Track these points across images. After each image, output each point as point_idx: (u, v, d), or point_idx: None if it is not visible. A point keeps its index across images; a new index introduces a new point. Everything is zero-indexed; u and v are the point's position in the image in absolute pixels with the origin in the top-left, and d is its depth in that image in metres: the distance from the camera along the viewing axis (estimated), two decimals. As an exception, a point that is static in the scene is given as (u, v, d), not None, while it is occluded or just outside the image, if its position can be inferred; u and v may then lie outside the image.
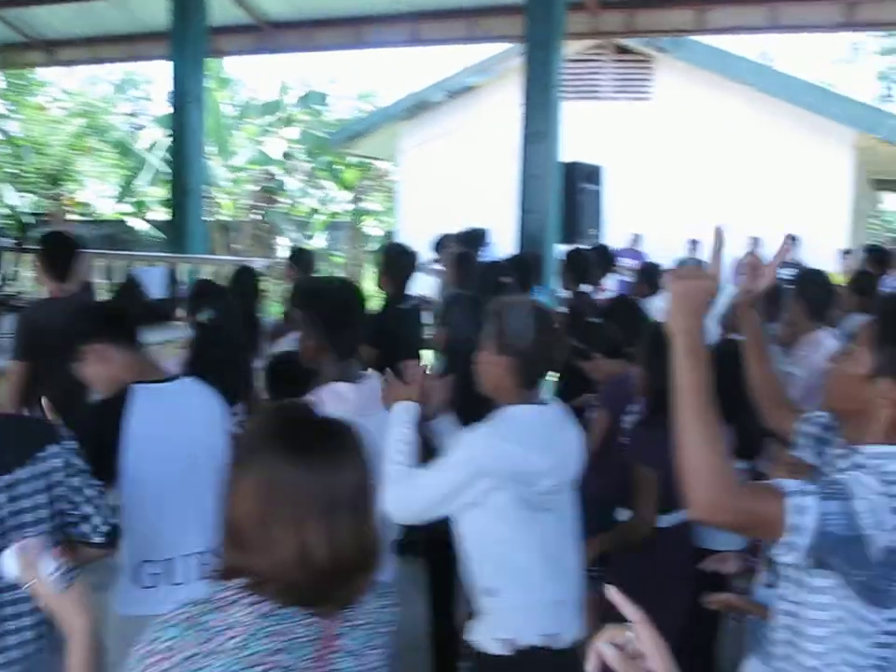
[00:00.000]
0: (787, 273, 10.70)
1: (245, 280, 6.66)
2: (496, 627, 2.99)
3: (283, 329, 6.36)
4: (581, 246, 8.24)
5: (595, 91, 16.68)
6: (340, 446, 1.78)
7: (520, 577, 2.96)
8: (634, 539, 3.88)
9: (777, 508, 1.99)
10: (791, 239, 14.79)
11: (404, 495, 2.94)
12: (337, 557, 1.70)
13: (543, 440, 3.01)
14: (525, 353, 3.00)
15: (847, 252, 14.56)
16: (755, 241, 15.07)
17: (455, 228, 9.49)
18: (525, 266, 7.14)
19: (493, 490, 2.90)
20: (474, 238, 9.24)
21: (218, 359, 4.89)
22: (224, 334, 5.27)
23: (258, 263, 10.27)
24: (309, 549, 1.68)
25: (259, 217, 24.15)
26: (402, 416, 3.10)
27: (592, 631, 4.70)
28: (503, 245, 10.04)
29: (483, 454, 2.91)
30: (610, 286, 10.38)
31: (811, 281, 5.34)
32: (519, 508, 2.94)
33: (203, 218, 11.87)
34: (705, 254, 15.06)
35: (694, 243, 15.40)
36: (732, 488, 1.99)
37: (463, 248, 7.89)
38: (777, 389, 2.77)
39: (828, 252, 14.51)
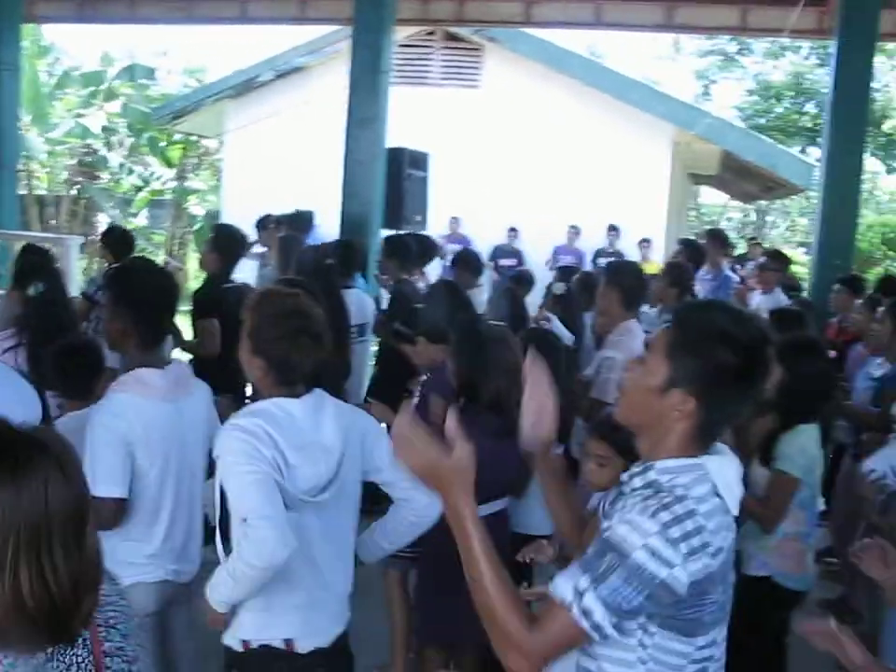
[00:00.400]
0: (604, 262, 11.01)
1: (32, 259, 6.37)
2: (239, 627, 2.93)
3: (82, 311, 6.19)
4: (401, 232, 8.28)
5: (424, 78, 16.68)
6: (36, 465, 1.58)
7: (277, 578, 2.80)
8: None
9: (569, 624, 1.98)
10: (613, 230, 15.26)
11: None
12: (54, 596, 1.55)
13: (300, 437, 2.89)
14: (272, 354, 2.92)
15: (645, 241, 15.15)
16: (574, 230, 15.46)
17: (281, 209, 9.36)
18: (351, 252, 7.09)
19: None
20: (300, 221, 9.14)
21: (52, 334, 4.65)
22: (56, 308, 5.05)
23: (73, 240, 9.89)
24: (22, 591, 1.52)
25: (77, 193, 23.25)
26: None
27: (396, 615, 4.72)
28: (329, 229, 9.95)
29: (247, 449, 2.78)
30: (433, 272, 10.45)
31: (623, 271, 5.43)
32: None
33: (16, 192, 11.34)
34: (524, 242, 15.41)
35: (514, 231, 15.67)
36: (530, 643, 1.99)
37: (288, 231, 7.81)
38: (580, 518, 2.65)
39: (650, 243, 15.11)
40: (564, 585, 2.00)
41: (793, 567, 4.01)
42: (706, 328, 2.11)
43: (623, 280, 5.25)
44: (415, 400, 4.85)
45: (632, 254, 14.49)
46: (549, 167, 15.87)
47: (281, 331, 2.91)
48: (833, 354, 5.82)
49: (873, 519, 4.21)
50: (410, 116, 13.13)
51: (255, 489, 2.73)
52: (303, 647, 2.93)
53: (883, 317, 5.95)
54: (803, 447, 3.95)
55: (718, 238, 9.56)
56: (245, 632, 2.92)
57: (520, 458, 3.99)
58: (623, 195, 15.77)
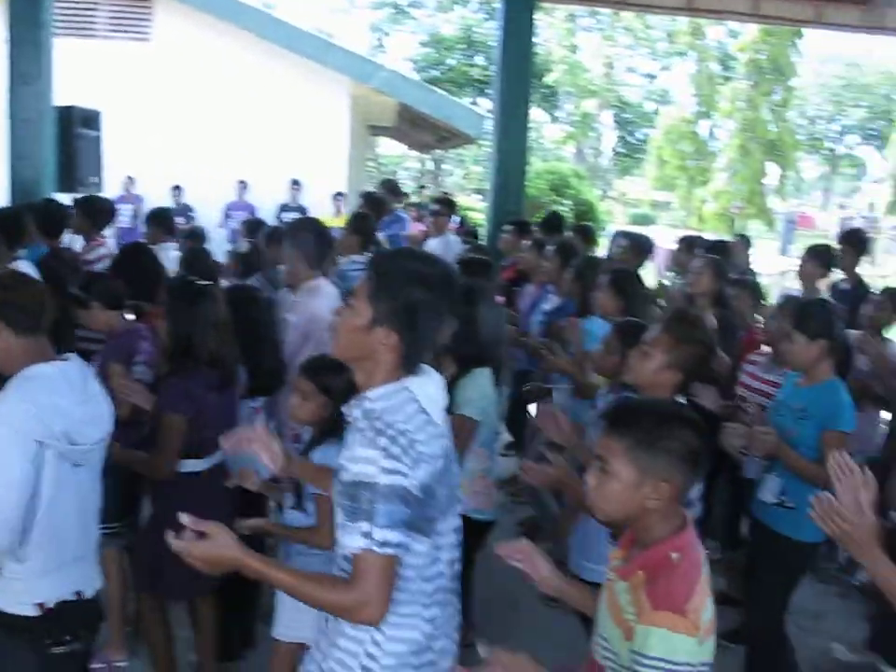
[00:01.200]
0: (289, 217, 11.05)
1: None
2: (25, 593, 2.97)
3: None
4: (54, 197, 7.88)
5: (90, 30, 15.87)
6: None
7: (54, 536, 2.96)
8: (152, 476, 3.99)
9: (379, 561, 2.27)
10: (295, 184, 15.27)
11: None
12: None
13: (78, 394, 3.02)
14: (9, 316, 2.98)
15: (338, 195, 15.30)
16: (242, 184, 15.32)
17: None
18: (13, 221, 6.65)
19: (44, 451, 2.86)
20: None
21: None
22: None
23: None
24: None
25: None
26: None
27: (113, 591, 4.68)
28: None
29: (28, 421, 2.84)
30: (110, 235, 10.05)
31: (304, 228, 5.34)
32: (61, 465, 2.93)
33: None
34: (189, 198, 15.01)
35: (178, 189, 15.31)
36: (361, 597, 2.28)
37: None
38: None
39: (329, 196, 15.20)
40: (351, 540, 2.29)
41: (485, 503, 4.26)
42: (400, 271, 2.42)
43: (304, 238, 5.20)
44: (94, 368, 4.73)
45: (323, 208, 14.54)
46: (225, 122, 15.58)
47: None
48: (502, 299, 6.14)
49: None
50: (78, 71, 12.52)
51: None
52: (88, 594, 3.16)
53: (552, 256, 6.39)
54: (481, 390, 4.14)
55: (390, 187, 9.92)
56: (37, 595, 2.99)
57: (238, 409, 4.15)
58: (304, 149, 15.78)
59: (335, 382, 3.52)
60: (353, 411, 2.44)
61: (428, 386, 2.47)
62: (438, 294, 2.41)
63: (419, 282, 2.39)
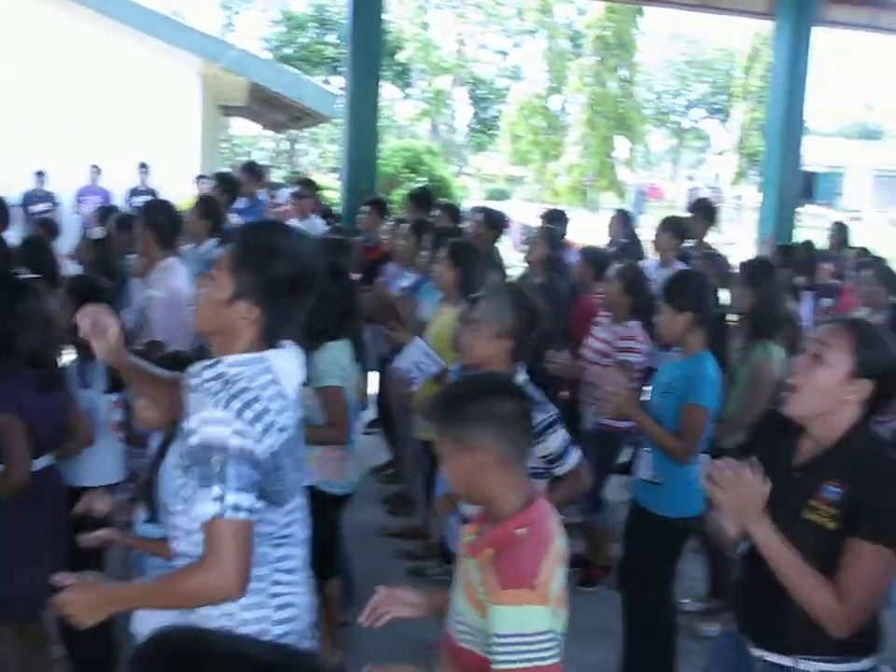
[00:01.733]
0: (139, 201, 10.78)
1: None
2: None
3: None
4: None
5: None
6: None
7: None
8: (11, 490, 3.55)
9: (232, 526, 2.21)
10: (143, 167, 14.88)
11: None
12: None
13: None
14: None
15: (201, 178, 14.99)
16: (95, 169, 14.87)
17: None
18: None
19: None
20: None
21: None
22: None
23: None
24: None
25: None
26: None
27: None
28: None
29: None
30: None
31: (157, 210, 5.36)
32: None
33: None
34: (52, 185, 14.50)
35: (41, 175, 14.78)
36: (222, 572, 2.21)
37: None
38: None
39: (182, 178, 14.87)
40: (201, 507, 2.22)
41: (335, 474, 4.27)
42: (263, 245, 2.38)
43: (156, 219, 5.21)
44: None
45: (176, 190, 14.21)
46: (73, 105, 15.09)
47: None
48: (357, 276, 6.18)
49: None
50: None
51: None
52: None
53: (408, 234, 6.47)
54: (335, 360, 4.16)
55: (251, 170, 9.76)
56: None
57: (65, 410, 3.85)
58: (154, 131, 15.41)
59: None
60: (203, 373, 2.37)
61: (286, 360, 2.44)
62: (302, 270, 2.38)
63: (284, 256, 2.35)
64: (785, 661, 2.59)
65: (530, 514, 2.29)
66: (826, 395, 2.53)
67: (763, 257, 7.66)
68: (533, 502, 2.33)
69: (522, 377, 3.48)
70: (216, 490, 2.20)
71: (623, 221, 8.70)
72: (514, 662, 2.14)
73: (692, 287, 4.32)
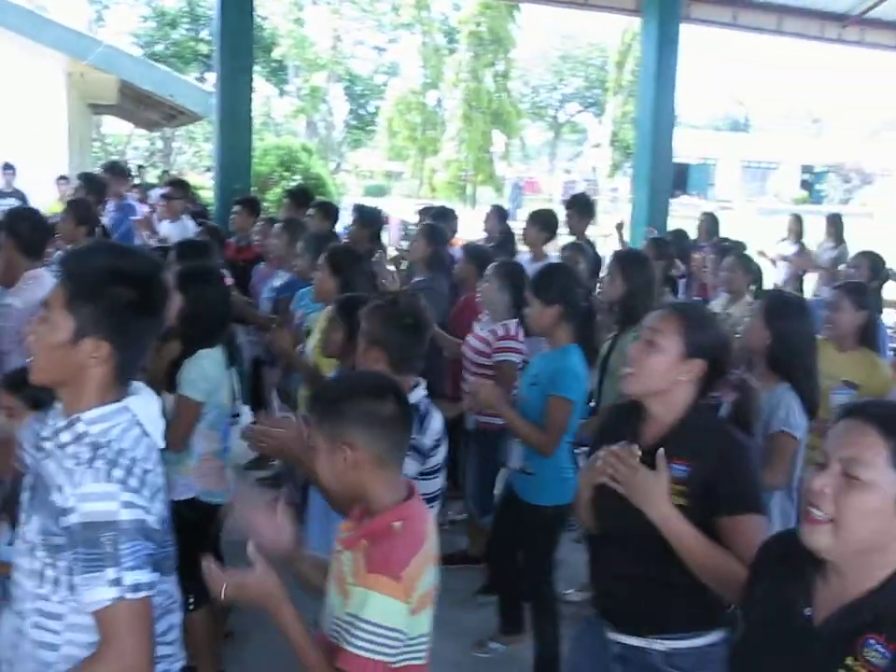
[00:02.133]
0: (6, 203, 10.44)
1: None
2: None
3: None
4: None
5: None
6: None
7: None
8: None
9: (130, 609, 2.00)
10: (8, 168, 14.37)
11: None
12: None
13: None
14: None
15: (62, 178, 14.56)
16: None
17: None
18: None
19: None
20: None
21: None
22: None
23: None
24: None
25: None
26: None
27: None
28: None
29: None
30: None
31: (21, 217, 5.06)
32: None
33: None
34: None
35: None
36: (122, 656, 2.01)
37: None
38: None
39: (50, 180, 14.43)
40: (94, 594, 2.00)
41: (215, 484, 4.16)
42: (97, 270, 2.11)
43: (20, 228, 4.89)
44: None
45: (44, 192, 13.79)
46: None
47: None
48: (230, 281, 6.10)
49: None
50: None
51: None
52: None
53: (279, 233, 6.41)
54: (204, 371, 4.03)
55: (114, 170, 9.54)
56: None
57: None
58: (18, 131, 14.91)
59: (46, 394, 2.89)
60: (59, 436, 2.12)
61: (149, 406, 2.23)
62: (145, 290, 2.14)
63: (122, 279, 2.10)
64: (638, 642, 2.69)
65: (407, 510, 2.33)
66: (662, 375, 2.68)
67: (635, 248, 7.81)
68: (409, 499, 2.36)
69: (419, 394, 3.41)
70: (110, 573, 1.98)
71: (499, 216, 8.76)
72: (359, 648, 2.16)
73: (560, 280, 4.40)
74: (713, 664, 2.61)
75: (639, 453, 2.56)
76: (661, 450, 2.56)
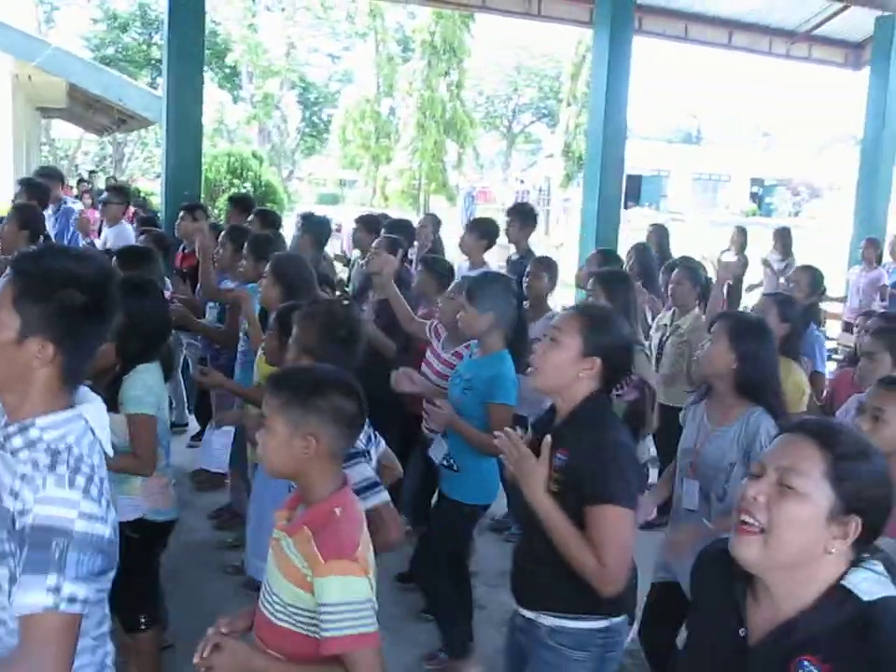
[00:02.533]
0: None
1: None
2: None
3: None
4: None
5: None
6: None
7: None
8: None
9: (60, 621, 1.91)
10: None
11: None
12: None
13: None
14: None
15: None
16: None
17: None
18: None
19: None
20: None
21: None
22: None
23: None
24: None
25: None
26: None
27: None
28: None
29: None
30: None
31: None
32: None
33: None
34: None
35: None
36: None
37: None
38: None
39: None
40: (28, 597, 1.91)
41: (163, 502, 4.03)
42: (48, 271, 2.08)
43: None
44: None
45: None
46: None
47: None
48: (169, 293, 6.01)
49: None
50: None
51: None
52: None
53: (223, 241, 6.36)
54: (148, 385, 3.91)
55: (50, 175, 9.44)
56: None
57: None
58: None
59: None
60: (10, 441, 2.08)
61: (100, 414, 2.19)
62: (95, 294, 2.10)
63: (72, 281, 2.07)
64: (530, 615, 3.01)
65: (343, 497, 2.50)
66: (562, 371, 2.90)
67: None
68: (343, 487, 2.53)
69: None
70: (51, 579, 1.91)
71: (434, 224, 8.81)
72: (342, 629, 2.30)
73: (494, 288, 4.48)
74: (596, 648, 2.89)
75: (543, 449, 2.79)
76: (547, 437, 2.79)
